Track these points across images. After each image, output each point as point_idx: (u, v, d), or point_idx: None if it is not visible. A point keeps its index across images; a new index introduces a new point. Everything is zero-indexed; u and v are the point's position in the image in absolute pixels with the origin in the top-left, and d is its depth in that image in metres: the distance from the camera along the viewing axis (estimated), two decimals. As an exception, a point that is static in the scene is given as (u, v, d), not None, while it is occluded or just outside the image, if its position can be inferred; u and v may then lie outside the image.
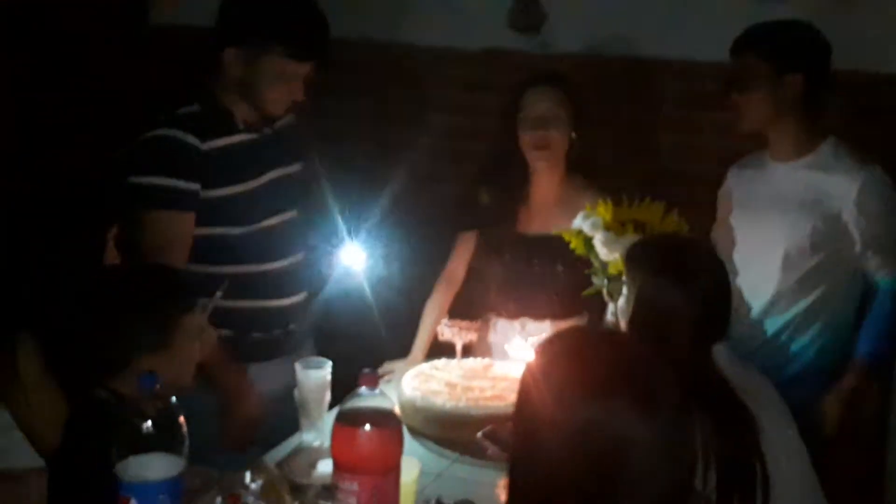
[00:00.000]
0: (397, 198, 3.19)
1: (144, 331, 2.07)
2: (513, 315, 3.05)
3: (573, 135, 2.99)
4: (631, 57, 3.79)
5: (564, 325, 3.03)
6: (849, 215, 2.79)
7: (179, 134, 2.65)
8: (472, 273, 3.16)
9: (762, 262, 2.89)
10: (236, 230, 2.74)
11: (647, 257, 2.15)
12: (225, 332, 2.56)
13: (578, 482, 1.38)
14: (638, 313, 2.11)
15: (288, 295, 2.86)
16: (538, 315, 3.02)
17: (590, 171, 3.07)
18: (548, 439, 1.40)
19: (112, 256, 2.31)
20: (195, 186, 2.66)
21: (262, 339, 2.83)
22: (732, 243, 2.95)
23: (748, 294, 2.88)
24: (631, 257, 2.18)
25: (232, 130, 2.74)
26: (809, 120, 2.88)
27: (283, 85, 2.70)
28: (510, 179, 3.05)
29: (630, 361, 1.45)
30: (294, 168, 2.90)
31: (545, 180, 3.05)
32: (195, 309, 2.16)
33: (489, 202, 3.07)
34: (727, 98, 2.90)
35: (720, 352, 2.14)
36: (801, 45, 2.85)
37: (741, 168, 3.05)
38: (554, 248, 2.91)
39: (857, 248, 2.82)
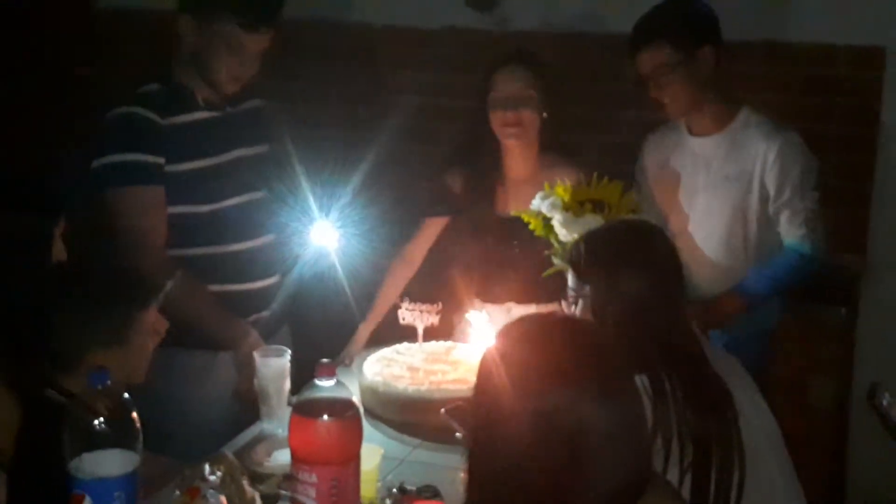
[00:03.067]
0: (366, 178, 3.15)
1: (99, 328, 2.04)
2: (498, 299, 3.03)
3: (544, 114, 2.97)
4: (587, 32, 3.79)
5: (550, 307, 3.02)
6: (766, 178, 2.82)
7: (139, 110, 2.65)
8: (452, 258, 3.13)
9: (698, 238, 2.90)
10: (202, 208, 2.73)
11: (600, 250, 2.14)
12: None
13: (537, 468, 1.38)
14: (600, 303, 2.09)
15: (258, 278, 2.85)
16: (523, 298, 3.00)
17: (563, 148, 3.05)
18: (507, 426, 1.40)
19: (59, 252, 2.27)
20: (160, 160, 2.65)
21: None
22: (665, 221, 2.94)
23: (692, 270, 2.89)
24: (584, 252, 2.15)
25: (192, 108, 2.73)
26: (724, 91, 2.90)
27: (233, 57, 2.68)
28: (484, 160, 3.03)
29: (588, 347, 1.45)
30: (260, 149, 2.89)
31: (519, 159, 3.02)
32: (151, 306, 2.13)
33: (463, 185, 3.05)
34: (646, 95, 2.87)
35: None
36: (698, 17, 2.85)
37: (659, 142, 3.05)
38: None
39: (771, 208, 2.84)
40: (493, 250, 3.04)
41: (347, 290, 2.95)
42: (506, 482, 1.41)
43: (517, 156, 3.02)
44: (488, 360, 1.46)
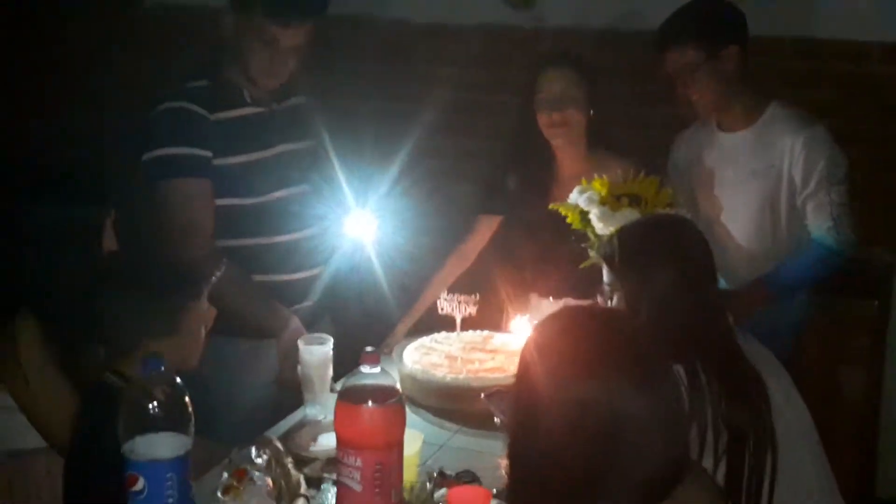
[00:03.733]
0: (401, 172, 3.21)
1: (154, 317, 2.11)
2: (554, 294, 3.06)
3: (591, 112, 3.00)
4: (621, 29, 3.82)
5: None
6: (793, 170, 2.84)
7: (188, 105, 2.72)
8: (506, 255, 3.17)
9: (728, 232, 2.94)
10: (247, 200, 2.80)
11: (633, 245, 2.18)
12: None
13: (575, 454, 1.43)
14: (633, 297, 2.13)
15: (301, 269, 2.91)
16: (580, 294, 3.04)
17: (611, 144, 3.07)
18: (546, 413, 1.45)
19: (109, 242, 2.34)
20: (208, 154, 2.72)
21: None
22: (696, 216, 2.96)
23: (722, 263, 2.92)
24: (617, 246, 2.20)
25: (239, 104, 2.80)
26: (752, 87, 2.93)
27: (269, 52, 2.73)
28: (534, 160, 3.07)
29: (627, 340, 1.50)
30: (303, 144, 2.95)
31: (567, 158, 3.06)
32: (203, 295, 2.20)
33: (517, 184, 3.09)
34: (673, 94, 2.90)
35: None
36: (724, 17, 2.88)
37: (690, 139, 3.09)
38: None
39: (798, 200, 2.86)
40: (549, 247, 3.06)
41: (383, 280, 3.02)
42: (545, 466, 1.46)
43: (566, 155, 3.06)
44: (528, 353, 1.51)
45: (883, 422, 3.74)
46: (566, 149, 3.04)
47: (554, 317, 1.57)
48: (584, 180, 2.77)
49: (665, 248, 2.14)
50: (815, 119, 2.91)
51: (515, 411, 1.53)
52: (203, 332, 2.21)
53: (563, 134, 2.99)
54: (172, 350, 2.02)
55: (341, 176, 2.94)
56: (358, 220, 2.92)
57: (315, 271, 2.96)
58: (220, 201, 2.77)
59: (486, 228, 3.17)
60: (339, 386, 2.62)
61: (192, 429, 1.85)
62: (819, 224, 2.86)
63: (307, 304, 2.94)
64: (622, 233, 2.24)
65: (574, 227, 2.72)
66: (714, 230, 2.88)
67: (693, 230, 2.22)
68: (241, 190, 2.79)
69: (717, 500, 1.60)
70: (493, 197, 3.16)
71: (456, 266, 3.17)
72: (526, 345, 1.53)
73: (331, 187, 2.95)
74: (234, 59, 2.79)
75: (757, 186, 2.90)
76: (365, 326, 3.03)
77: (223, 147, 2.74)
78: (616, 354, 1.46)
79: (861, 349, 3.65)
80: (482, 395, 2.44)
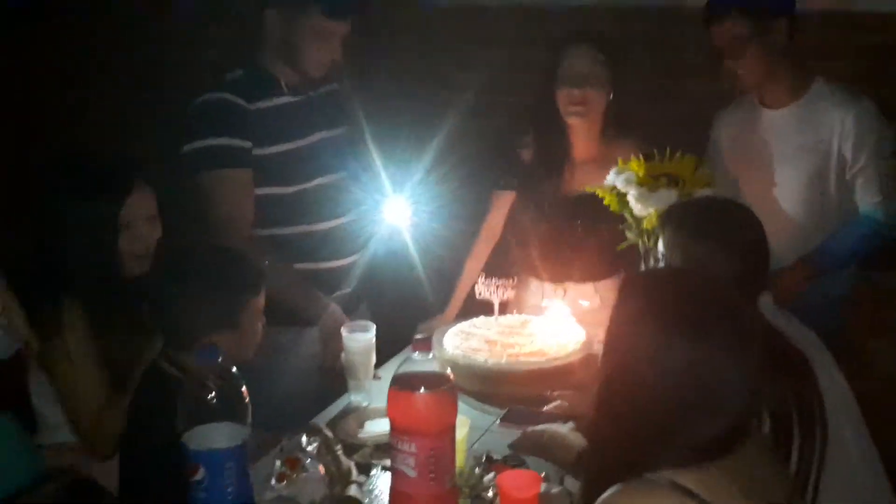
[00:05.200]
0: (436, 156, 3.21)
1: (214, 312, 2.14)
2: (555, 278, 3.08)
3: (610, 95, 2.99)
4: (649, 6, 3.80)
5: (603, 286, 3.08)
6: (843, 146, 2.84)
7: (227, 96, 2.75)
8: (513, 233, 3.17)
9: (774, 209, 2.92)
10: (287, 189, 2.82)
11: (687, 224, 2.19)
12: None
13: (665, 409, 1.50)
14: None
15: (341, 256, 2.94)
16: (579, 277, 3.05)
17: (623, 127, 3.07)
18: (640, 373, 1.51)
19: (155, 231, 2.39)
20: (248, 144, 2.74)
21: None
22: (740, 193, 2.96)
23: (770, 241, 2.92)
24: (671, 224, 2.21)
25: (276, 93, 2.82)
26: (798, 62, 2.91)
27: (321, 44, 2.77)
28: (550, 139, 3.05)
29: (726, 303, 1.56)
30: (340, 131, 2.97)
31: (583, 139, 3.05)
32: (262, 291, 2.22)
33: (529, 161, 3.08)
34: (719, 67, 2.88)
35: (765, 305, 2.18)
36: None
37: (731, 116, 3.08)
38: (597, 206, 2.94)
39: (848, 175, 2.86)
40: (556, 229, 3.07)
41: (420, 266, 3.04)
42: (634, 419, 1.53)
43: (581, 135, 3.05)
44: (623, 314, 1.58)
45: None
46: (581, 129, 3.03)
47: (651, 276, 1.66)
48: (620, 161, 2.77)
49: (724, 231, 2.15)
50: (862, 93, 2.90)
51: (606, 370, 1.59)
52: (260, 326, 2.23)
53: (580, 113, 2.97)
54: (230, 344, 2.05)
55: (378, 162, 2.96)
56: (394, 207, 2.94)
57: (353, 258, 2.98)
58: (260, 190, 2.79)
59: (503, 204, 3.16)
60: (381, 373, 2.66)
61: (249, 418, 1.87)
62: (868, 199, 2.86)
63: (345, 291, 2.96)
64: (680, 208, 2.25)
65: (612, 209, 2.72)
66: (760, 207, 2.87)
67: (752, 217, 2.22)
68: (280, 179, 2.81)
69: (774, 461, 1.66)
70: (507, 173, 3.14)
71: (485, 245, 3.18)
72: (620, 301, 1.59)
73: (368, 173, 2.97)
74: (272, 49, 2.81)
75: (805, 162, 2.89)
76: (401, 313, 3.05)
77: (262, 137, 2.76)
78: (709, 318, 1.52)
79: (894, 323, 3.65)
80: (497, 422, 2.48)
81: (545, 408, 2.48)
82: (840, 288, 3.01)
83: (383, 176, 2.95)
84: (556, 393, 2.52)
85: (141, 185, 2.43)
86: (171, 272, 2.19)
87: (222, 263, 2.23)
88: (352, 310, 2.95)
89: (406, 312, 3.09)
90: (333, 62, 2.82)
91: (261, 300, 2.24)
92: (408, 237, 2.98)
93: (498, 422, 2.48)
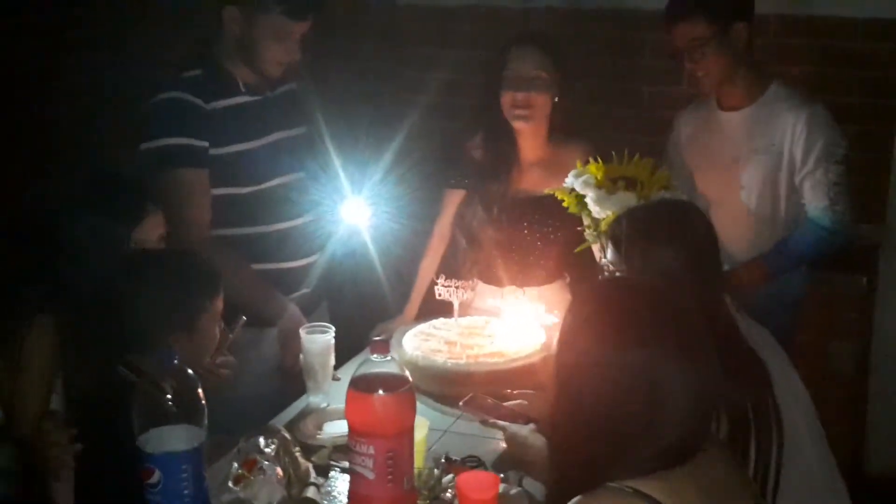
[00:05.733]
0: (394, 156, 3.21)
1: (172, 315, 2.12)
2: (499, 282, 3.07)
3: (556, 98, 2.98)
4: (610, 9, 3.83)
5: (549, 290, 3.09)
6: (794, 149, 2.87)
7: (185, 95, 2.72)
8: (462, 233, 3.16)
9: (729, 210, 2.95)
10: (244, 189, 2.81)
11: (639, 228, 2.20)
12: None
13: (616, 421, 1.50)
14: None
15: (298, 257, 2.92)
16: (525, 281, 3.05)
17: (572, 131, 3.06)
18: (591, 381, 1.52)
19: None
20: (205, 144, 2.73)
21: None
22: (697, 194, 3.00)
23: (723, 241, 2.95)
24: (624, 230, 2.22)
25: (234, 92, 2.80)
26: (756, 65, 2.95)
27: (279, 44, 2.75)
28: (497, 139, 3.04)
29: (673, 311, 1.57)
30: (298, 131, 2.96)
31: (529, 142, 3.04)
32: (219, 294, 2.20)
33: (478, 160, 3.08)
34: (676, 69, 2.91)
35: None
36: None
37: (690, 117, 3.11)
38: (544, 209, 2.95)
39: (797, 178, 2.90)
40: (502, 231, 3.07)
41: (378, 266, 3.03)
42: (589, 427, 1.53)
43: (528, 138, 3.03)
44: (573, 322, 1.59)
45: (871, 396, 3.79)
46: (527, 132, 3.02)
47: (599, 286, 1.66)
48: (578, 164, 2.78)
49: (672, 231, 2.16)
50: (816, 98, 2.94)
51: (559, 378, 1.59)
52: (217, 329, 2.22)
53: (524, 116, 2.96)
54: (187, 347, 2.04)
55: (336, 162, 2.95)
56: (353, 207, 2.93)
57: (311, 259, 2.97)
58: (217, 191, 2.77)
59: (453, 202, 3.15)
60: (340, 374, 2.65)
61: (205, 421, 1.86)
62: (815, 203, 2.89)
63: (304, 291, 2.95)
64: (631, 213, 2.26)
65: (570, 210, 2.73)
66: (717, 207, 2.91)
67: (700, 216, 2.24)
68: (238, 179, 2.79)
69: (733, 465, 1.67)
70: (457, 172, 3.13)
71: (438, 243, 3.18)
72: (570, 314, 1.60)
73: (326, 174, 2.96)
74: (230, 49, 2.79)
75: (759, 164, 2.92)
76: (361, 313, 3.04)
77: (220, 136, 2.74)
78: (661, 325, 1.53)
79: (849, 324, 3.70)
80: (460, 403, 2.47)
81: (507, 403, 2.48)
82: (795, 289, 3.05)
83: (342, 176, 2.93)
84: (515, 392, 2.52)
85: (153, 208, 2.42)
86: (126, 275, 2.17)
87: (179, 266, 2.22)
88: (311, 311, 2.93)
89: (365, 313, 3.09)
90: (292, 62, 2.81)
91: (218, 303, 2.23)
92: (367, 237, 2.98)
93: (461, 404, 2.48)
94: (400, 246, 3.12)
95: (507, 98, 2.96)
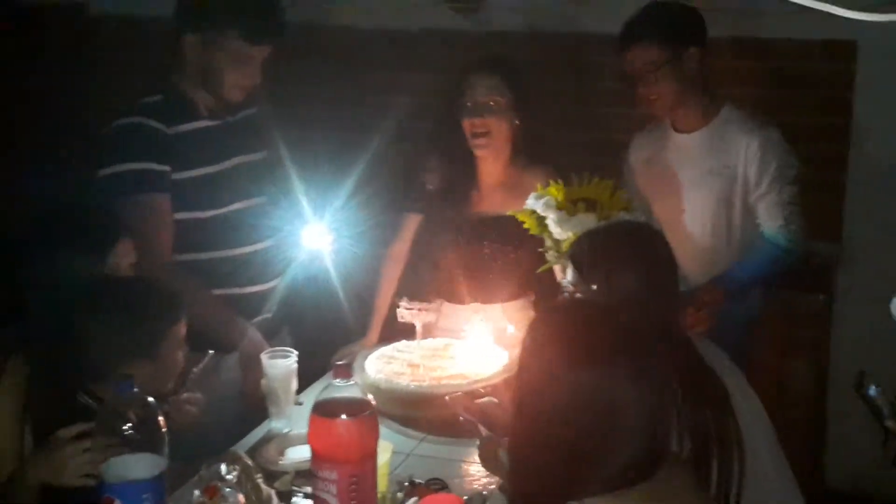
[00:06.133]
0: (356, 181, 3.22)
1: (132, 342, 2.10)
2: (462, 300, 3.09)
3: (515, 122, 3.00)
4: (569, 32, 3.87)
5: (512, 307, 3.10)
6: (748, 170, 2.91)
7: (146, 120, 2.71)
8: (422, 256, 3.18)
9: (684, 231, 2.99)
10: (205, 214, 2.79)
11: (598, 250, 2.22)
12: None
13: (574, 439, 1.52)
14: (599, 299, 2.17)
15: (260, 282, 2.91)
16: (487, 298, 3.07)
17: (535, 154, 3.08)
18: (549, 400, 1.54)
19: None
20: (166, 168, 2.71)
21: None
22: (652, 215, 3.03)
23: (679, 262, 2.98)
24: (584, 252, 2.24)
25: (195, 117, 2.79)
26: (709, 89, 2.99)
27: (240, 68, 2.75)
28: (454, 164, 3.06)
29: (627, 332, 1.59)
30: (258, 156, 2.95)
31: (490, 165, 3.06)
32: (181, 320, 2.19)
33: (438, 185, 3.09)
34: (630, 92, 2.94)
35: None
36: (686, 20, 2.94)
37: (644, 139, 3.14)
38: (505, 229, 2.96)
39: (751, 200, 2.94)
40: (464, 252, 3.09)
41: (340, 291, 3.03)
42: (548, 446, 1.54)
43: (489, 162, 3.06)
44: (532, 341, 1.61)
45: (830, 413, 3.83)
46: (488, 157, 3.04)
47: (556, 309, 1.68)
48: (539, 187, 2.80)
49: (632, 253, 2.18)
50: (769, 121, 2.98)
51: (518, 398, 1.61)
52: (180, 355, 2.21)
53: (484, 144, 2.99)
54: (148, 374, 2.02)
55: (297, 187, 2.94)
56: (314, 232, 2.92)
57: (272, 284, 2.96)
58: (178, 215, 2.76)
59: (412, 226, 3.16)
60: (302, 398, 2.64)
61: (166, 449, 1.85)
62: (770, 223, 2.92)
63: (265, 316, 2.94)
64: (591, 235, 2.28)
65: (532, 231, 2.75)
66: (672, 229, 2.93)
67: (660, 238, 2.27)
68: (198, 203, 2.78)
69: (695, 484, 1.69)
70: (415, 196, 3.15)
71: (391, 269, 3.18)
72: (530, 334, 1.62)
73: (287, 199, 2.95)
74: (190, 74, 2.78)
75: (713, 186, 2.95)
76: (322, 338, 3.03)
77: (180, 161, 2.73)
78: (617, 345, 1.55)
79: (807, 342, 3.74)
80: (447, 397, 2.46)
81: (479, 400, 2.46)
82: (750, 308, 3.08)
83: (303, 201, 2.93)
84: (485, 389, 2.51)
85: (123, 237, 2.39)
86: (87, 302, 2.15)
87: (139, 292, 2.20)
88: (272, 335, 2.92)
89: (327, 337, 3.08)
90: (252, 87, 2.81)
91: (180, 328, 2.22)
92: (329, 262, 2.97)
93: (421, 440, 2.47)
94: (361, 271, 3.12)
95: (466, 125, 2.99)
